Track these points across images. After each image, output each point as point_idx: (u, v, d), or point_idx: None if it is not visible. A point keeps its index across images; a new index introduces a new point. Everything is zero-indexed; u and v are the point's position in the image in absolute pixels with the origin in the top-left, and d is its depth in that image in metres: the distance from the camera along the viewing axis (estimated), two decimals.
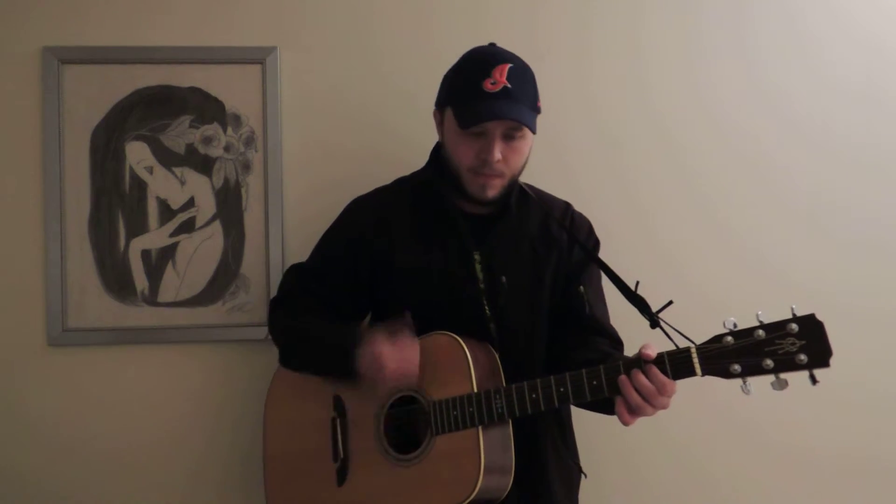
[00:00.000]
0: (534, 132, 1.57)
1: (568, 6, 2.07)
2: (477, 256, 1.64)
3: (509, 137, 1.56)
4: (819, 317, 1.27)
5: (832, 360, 1.25)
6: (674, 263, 2.06)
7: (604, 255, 1.70)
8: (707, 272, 2.06)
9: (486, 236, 1.65)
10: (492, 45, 1.64)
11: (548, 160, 2.04)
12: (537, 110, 1.60)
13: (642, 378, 1.38)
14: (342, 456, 1.61)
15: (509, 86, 1.53)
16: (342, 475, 1.61)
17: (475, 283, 1.63)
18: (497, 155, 1.55)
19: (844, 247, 2.09)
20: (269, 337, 1.77)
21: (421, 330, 1.56)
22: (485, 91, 1.53)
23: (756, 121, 2.09)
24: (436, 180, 1.67)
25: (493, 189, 1.59)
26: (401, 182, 1.77)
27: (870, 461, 2.07)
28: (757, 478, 2.06)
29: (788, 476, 2.06)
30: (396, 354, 1.51)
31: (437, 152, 1.70)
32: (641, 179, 2.07)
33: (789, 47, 2.10)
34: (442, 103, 1.64)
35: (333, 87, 2.03)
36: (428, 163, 1.73)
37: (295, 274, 1.77)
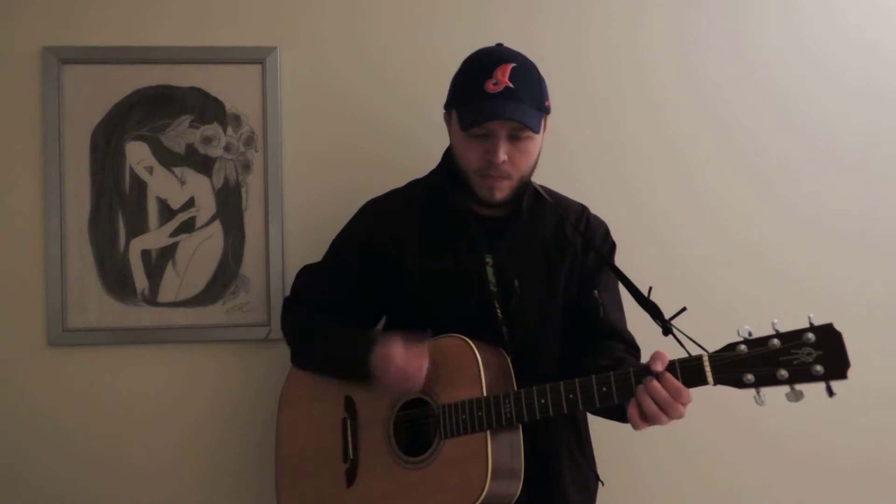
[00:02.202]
0: (536, 132, 1.54)
1: (569, 7, 2.07)
2: (489, 260, 1.61)
3: (515, 138, 1.54)
4: (837, 327, 1.21)
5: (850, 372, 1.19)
6: (672, 263, 2.05)
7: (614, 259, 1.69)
8: (712, 274, 2.05)
9: (498, 239, 1.63)
10: (499, 45, 1.63)
11: (551, 163, 2.03)
12: (545, 110, 1.58)
13: (656, 385, 1.34)
14: (352, 457, 1.61)
15: (511, 85, 1.51)
16: (351, 476, 1.60)
17: (487, 287, 1.60)
18: (502, 156, 1.52)
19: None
20: (282, 336, 1.77)
21: (432, 333, 1.55)
22: (486, 91, 1.51)
23: (757, 121, 2.09)
24: (447, 183, 1.65)
25: (501, 191, 1.57)
26: (414, 184, 1.75)
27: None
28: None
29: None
30: (405, 357, 1.50)
31: (449, 154, 1.68)
32: (644, 182, 2.07)
33: (789, 47, 2.10)
34: (449, 105, 1.63)
35: (333, 86, 2.03)
36: (440, 165, 1.71)
37: (307, 274, 1.77)
